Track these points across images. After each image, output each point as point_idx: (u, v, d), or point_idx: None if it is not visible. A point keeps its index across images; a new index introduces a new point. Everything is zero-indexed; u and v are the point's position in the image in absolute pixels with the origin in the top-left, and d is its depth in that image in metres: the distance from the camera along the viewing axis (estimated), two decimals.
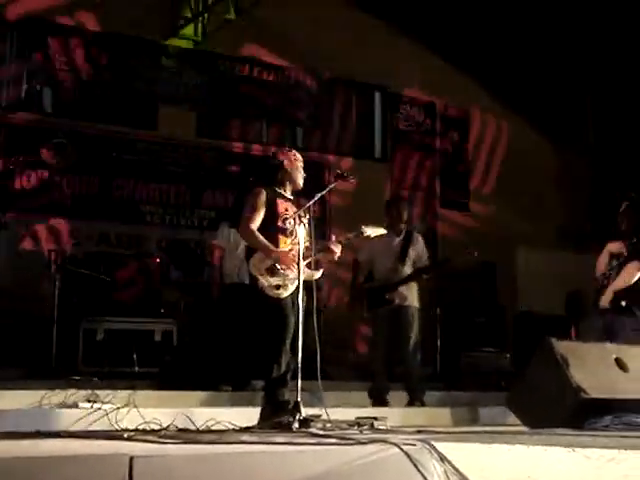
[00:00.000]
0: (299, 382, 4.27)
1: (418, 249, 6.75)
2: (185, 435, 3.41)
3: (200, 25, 9.72)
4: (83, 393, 5.25)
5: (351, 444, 3.04)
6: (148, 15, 9.59)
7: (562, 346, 4.97)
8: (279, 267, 4.75)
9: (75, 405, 5.03)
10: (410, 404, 6.34)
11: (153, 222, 9.51)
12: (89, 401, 5.05)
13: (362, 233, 5.02)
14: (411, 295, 6.62)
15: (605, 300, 5.95)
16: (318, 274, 4.92)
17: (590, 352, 5.10)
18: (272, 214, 4.88)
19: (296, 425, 4.04)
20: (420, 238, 6.86)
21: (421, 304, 6.70)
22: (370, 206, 8.15)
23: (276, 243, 4.84)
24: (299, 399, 4.20)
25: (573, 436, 4.04)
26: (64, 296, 7.44)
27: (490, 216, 11.66)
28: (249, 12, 9.35)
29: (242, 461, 2.72)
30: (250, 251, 4.92)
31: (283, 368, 4.70)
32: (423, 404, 6.34)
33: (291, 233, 4.85)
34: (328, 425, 4.15)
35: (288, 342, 4.68)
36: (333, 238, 5.02)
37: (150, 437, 3.22)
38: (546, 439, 3.66)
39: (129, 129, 9.45)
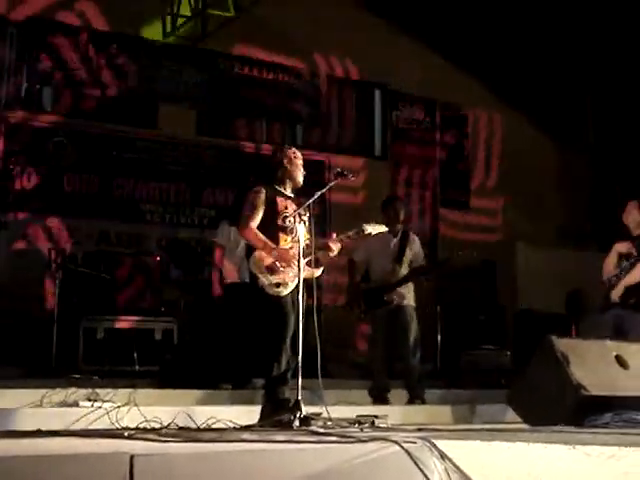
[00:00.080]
0: (299, 380, 4.27)
1: (415, 249, 6.74)
2: (186, 433, 3.41)
3: (200, 23, 9.71)
4: (83, 392, 5.26)
5: (352, 442, 3.03)
6: (148, 13, 9.61)
7: (562, 344, 4.97)
8: (279, 265, 4.75)
9: (76, 404, 5.04)
10: (410, 402, 6.35)
11: (153, 221, 9.50)
12: (89, 400, 5.06)
13: (363, 231, 5.02)
14: (409, 294, 6.62)
15: (616, 294, 5.95)
16: (318, 272, 4.92)
17: (590, 349, 5.11)
18: (272, 212, 4.88)
19: (297, 423, 4.04)
20: (417, 238, 6.85)
21: (418, 302, 6.70)
22: (370, 204, 8.15)
23: (276, 241, 4.84)
24: (299, 397, 4.20)
25: (573, 433, 4.05)
26: (64, 295, 7.44)
27: (490, 214, 11.66)
28: (249, 10, 9.35)
29: (243, 459, 2.72)
30: (250, 249, 4.92)
31: (283, 366, 4.70)
32: (423, 402, 6.35)
33: (291, 231, 4.85)
34: (329, 423, 4.15)
35: (288, 340, 4.69)
36: (333, 236, 5.02)
37: (151, 435, 3.21)
38: (546, 436, 3.66)
39: (129, 128, 9.43)
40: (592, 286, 6.68)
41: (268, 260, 4.77)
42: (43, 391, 5.15)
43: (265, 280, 4.76)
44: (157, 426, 3.73)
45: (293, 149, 5.18)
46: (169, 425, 3.78)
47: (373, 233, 5.09)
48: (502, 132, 12.02)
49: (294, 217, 4.78)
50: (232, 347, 6.56)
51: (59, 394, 5.18)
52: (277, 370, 4.70)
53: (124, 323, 7.61)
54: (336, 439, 3.20)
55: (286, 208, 4.91)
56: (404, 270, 6.64)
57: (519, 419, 5.07)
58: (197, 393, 6.03)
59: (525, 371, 5.29)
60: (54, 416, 4.68)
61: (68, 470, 2.42)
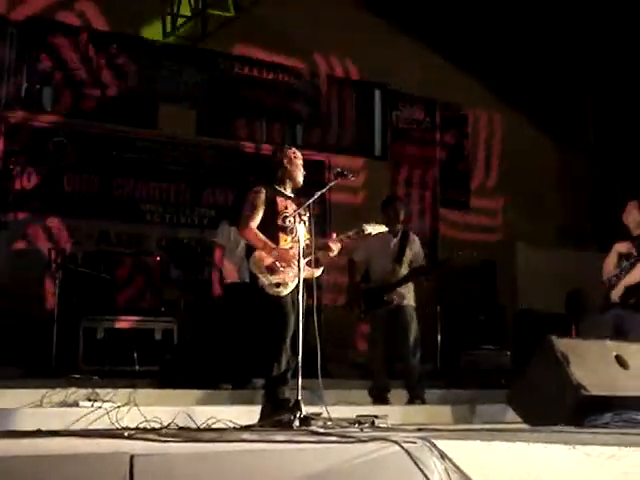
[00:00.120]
0: (299, 380, 4.27)
1: (415, 249, 6.74)
2: (186, 433, 3.41)
3: (200, 23, 9.71)
4: (83, 392, 5.26)
5: (352, 442, 3.03)
6: (148, 13, 9.61)
7: (562, 344, 4.97)
8: (279, 265, 4.75)
9: (76, 404, 5.04)
10: (410, 402, 6.34)
11: (153, 221, 9.50)
12: (89, 400, 5.06)
13: (363, 231, 5.02)
14: (409, 294, 6.62)
15: (616, 294, 5.95)
16: (318, 272, 4.91)
17: (590, 349, 5.10)
18: (272, 212, 4.88)
19: (297, 423, 4.04)
20: (417, 238, 6.85)
21: (418, 302, 6.70)
22: (370, 204, 8.15)
23: (276, 241, 4.85)
24: (299, 397, 4.20)
25: (573, 433, 4.05)
26: (64, 295, 7.44)
27: (490, 214, 11.66)
28: (249, 10, 9.35)
29: (243, 459, 2.72)
30: (250, 249, 4.92)
31: (283, 366, 4.70)
32: (423, 402, 6.35)
33: (291, 231, 4.85)
34: (329, 423, 4.14)
35: (288, 340, 4.69)
36: (333, 236, 5.02)
37: (151, 435, 3.21)
38: (546, 436, 3.66)
39: (129, 128, 9.43)
40: (592, 286, 6.68)
41: (268, 260, 4.77)
42: (43, 391, 5.15)
43: (265, 280, 4.76)
44: (157, 426, 3.73)
45: (293, 149, 5.18)
46: (169, 425, 3.78)
47: (373, 233, 5.09)
48: (502, 132, 12.02)
49: (294, 217, 4.78)
50: (232, 347, 6.55)
51: (59, 394, 5.18)
52: (277, 370, 4.70)
53: (124, 323, 7.61)
54: (336, 439, 3.20)
55: (286, 208, 4.91)
56: (404, 270, 6.63)
57: (519, 419, 5.07)
58: (197, 393, 6.03)
59: (525, 371, 5.29)
60: (54, 416, 4.68)
61: (68, 470, 2.42)
